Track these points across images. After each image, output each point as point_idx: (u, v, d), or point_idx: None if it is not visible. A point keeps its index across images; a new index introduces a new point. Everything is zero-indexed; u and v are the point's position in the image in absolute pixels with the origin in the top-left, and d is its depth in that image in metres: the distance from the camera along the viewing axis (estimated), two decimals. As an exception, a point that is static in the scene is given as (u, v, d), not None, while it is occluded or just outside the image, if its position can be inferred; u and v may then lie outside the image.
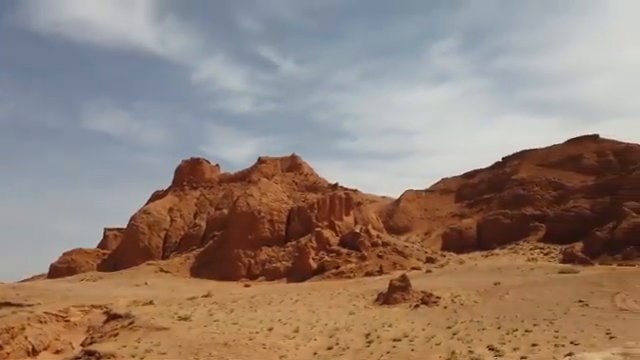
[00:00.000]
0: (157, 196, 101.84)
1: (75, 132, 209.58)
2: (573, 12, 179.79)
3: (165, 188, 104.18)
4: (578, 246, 60.28)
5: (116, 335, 28.65)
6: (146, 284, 62.26)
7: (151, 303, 41.04)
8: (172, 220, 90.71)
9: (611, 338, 20.29)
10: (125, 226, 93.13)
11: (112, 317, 35.13)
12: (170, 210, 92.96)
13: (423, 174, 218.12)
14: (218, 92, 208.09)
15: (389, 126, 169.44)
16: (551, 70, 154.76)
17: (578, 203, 73.99)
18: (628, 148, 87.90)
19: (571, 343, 19.92)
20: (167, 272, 73.95)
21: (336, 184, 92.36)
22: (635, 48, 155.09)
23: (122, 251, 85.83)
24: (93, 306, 41.25)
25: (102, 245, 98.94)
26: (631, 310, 26.46)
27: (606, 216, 64.10)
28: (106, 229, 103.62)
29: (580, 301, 29.60)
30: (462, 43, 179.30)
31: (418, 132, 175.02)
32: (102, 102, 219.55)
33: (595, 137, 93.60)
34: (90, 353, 24.35)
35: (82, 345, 30.12)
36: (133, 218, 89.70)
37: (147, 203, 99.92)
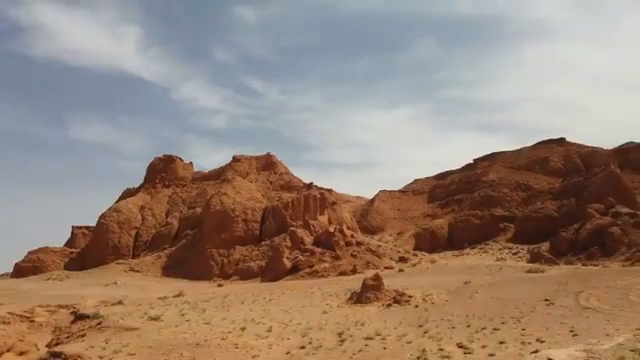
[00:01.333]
0: (128, 194, 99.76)
1: (59, 141, 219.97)
2: (500, 54, 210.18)
3: (137, 186, 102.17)
4: (545, 246, 62.12)
5: (83, 336, 27.98)
6: (115, 283, 60.99)
7: (120, 303, 40.21)
8: (143, 218, 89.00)
9: (574, 335, 21.01)
10: (94, 225, 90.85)
11: (79, 317, 34.26)
12: (141, 208, 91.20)
13: (384, 181, 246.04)
14: (197, 109, 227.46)
15: (352, 141, 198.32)
16: (487, 99, 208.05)
17: (545, 204, 76.25)
18: (593, 152, 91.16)
19: (537, 340, 20.53)
20: (137, 271, 72.57)
21: (311, 184, 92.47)
22: (552, 83, 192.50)
23: (91, 250, 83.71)
24: (60, 306, 40.15)
25: (70, 244, 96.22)
26: (594, 308, 27.47)
27: (571, 217, 66.28)
28: (74, 227, 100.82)
29: (546, 300, 30.54)
30: (408, 78, 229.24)
31: (378, 146, 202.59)
32: (89, 116, 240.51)
33: (562, 140, 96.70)
34: (56, 354, 23.70)
35: (48, 346, 29.27)
36: (103, 216, 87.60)
37: (118, 201, 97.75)
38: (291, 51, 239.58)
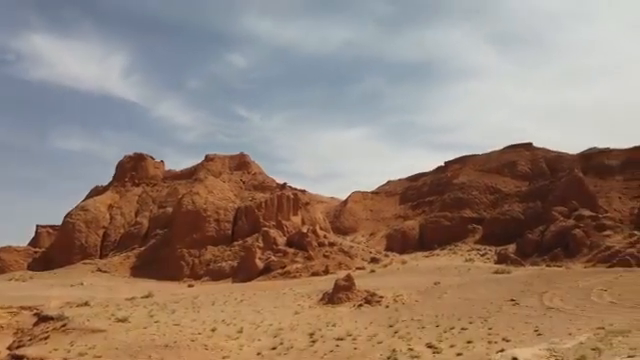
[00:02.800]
0: (96, 192, 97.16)
1: (39, 149, 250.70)
2: (439, 89, 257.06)
3: (105, 184, 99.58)
4: (511, 248, 63.82)
5: (47, 338, 27.10)
6: (82, 284, 59.37)
7: (86, 304, 39.16)
8: (112, 217, 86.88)
9: (539, 335, 21.67)
10: (60, 224, 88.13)
11: (43, 319, 33.18)
12: (110, 207, 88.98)
13: (357, 183, 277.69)
14: (173, 126, 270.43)
15: (316, 154, 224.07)
16: (431, 123, 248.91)
17: (512, 207, 78.32)
18: (558, 157, 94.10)
19: (503, 340, 21.08)
20: (105, 272, 70.83)
21: (284, 184, 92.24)
22: (493, 111, 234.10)
23: (56, 249, 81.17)
24: (22, 307, 38.87)
25: (33, 243, 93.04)
26: (557, 308, 28.41)
27: (537, 220, 68.30)
28: (38, 226, 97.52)
29: (512, 300, 31.40)
30: (360, 105, 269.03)
31: (339, 159, 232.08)
32: (71, 128, 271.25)
33: (529, 145, 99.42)
34: (17, 357, 22.92)
35: (9, 349, 28.24)
36: (69, 215, 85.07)
37: (85, 199, 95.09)
38: (259, 82, 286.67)
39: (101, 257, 79.36)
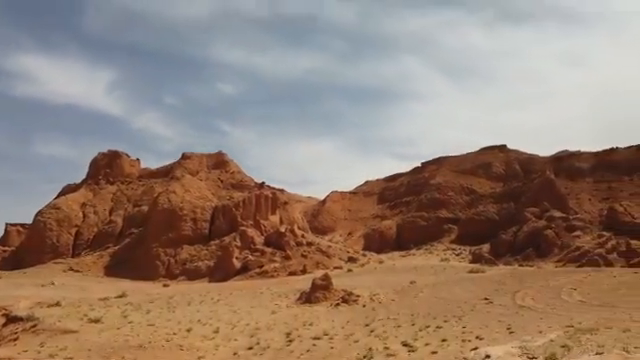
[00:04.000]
0: (68, 190, 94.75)
1: (23, 155, 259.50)
2: (394, 109, 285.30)
3: (78, 182, 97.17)
4: (485, 248, 65.11)
5: (16, 339, 26.34)
6: (53, 284, 57.84)
7: (58, 304, 38.14)
8: (85, 216, 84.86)
9: (511, 333, 22.16)
10: (30, 222, 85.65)
11: (12, 320, 32.17)
12: (83, 205, 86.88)
13: (335, 184, 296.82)
14: (151, 136, 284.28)
15: (286, 162, 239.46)
16: (392, 137, 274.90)
17: (487, 208, 79.89)
18: (531, 159, 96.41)
19: (477, 338, 21.49)
20: (77, 271, 69.23)
21: (262, 183, 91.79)
22: (445, 127, 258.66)
23: (26, 248, 78.87)
24: (-11, 308, 37.56)
25: (3, 242, 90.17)
26: (529, 307, 29.12)
27: (510, 220, 69.86)
28: (8, 224, 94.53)
29: (485, 299, 32.03)
30: (324, 121, 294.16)
31: (308, 167, 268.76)
32: (54, 136, 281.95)
33: (503, 147, 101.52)
34: (-16, 360, 22.19)
35: (-25, 351, 27.35)
36: (40, 213, 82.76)
37: (57, 197, 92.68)
38: (233, 100, 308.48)
39: (73, 256, 77.45)
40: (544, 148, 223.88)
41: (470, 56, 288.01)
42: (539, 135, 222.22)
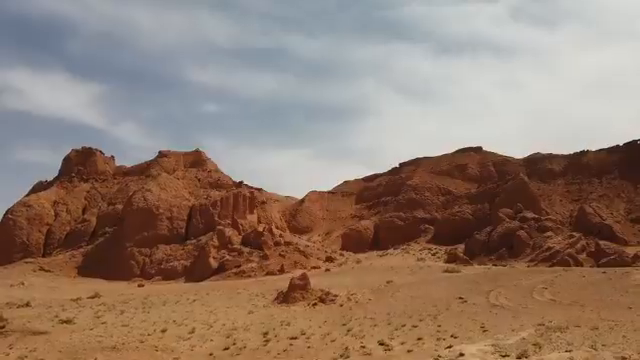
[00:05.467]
0: (40, 187, 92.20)
1: (5, 161, 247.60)
2: (350, 123, 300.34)
3: (50, 179, 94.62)
4: (460, 248, 66.15)
5: (-17, 342, 25.54)
6: (22, 284, 56.22)
7: (28, 305, 37.16)
8: (57, 214, 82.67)
9: (485, 331, 22.64)
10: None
11: (-21, 322, 31.18)
12: (55, 203, 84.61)
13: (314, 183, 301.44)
14: (129, 145, 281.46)
15: (260, 169, 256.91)
16: (355, 147, 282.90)
17: (462, 208, 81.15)
18: (505, 160, 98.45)
19: (451, 336, 21.88)
20: (48, 271, 67.43)
21: (241, 182, 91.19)
22: (402, 140, 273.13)
23: (-6, 247, 76.42)
24: (-46, 310, 36.28)
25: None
26: (502, 306, 29.76)
27: (485, 221, 71.16)
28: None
29: (460, 298, 32.59)
30: (287, 135, 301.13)
31: (282, 171, 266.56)
32: (35, 144, 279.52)
33: (479, 149, 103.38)
34: (-51, 363, 21.44)
35: (-61, 354, 26.39)
36: (10, 211, 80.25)
37: (28, 194, 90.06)
38: (203, 115, 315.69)
39: (44, 256, 75.37)
40: (518, 150, 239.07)
41: (421, 79, 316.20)
42: (486, 146, 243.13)
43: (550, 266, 51.21)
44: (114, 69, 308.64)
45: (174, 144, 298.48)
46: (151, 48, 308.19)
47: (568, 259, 51.89)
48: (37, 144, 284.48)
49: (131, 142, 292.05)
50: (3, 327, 27.26)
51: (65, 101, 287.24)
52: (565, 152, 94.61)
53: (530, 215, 66.02)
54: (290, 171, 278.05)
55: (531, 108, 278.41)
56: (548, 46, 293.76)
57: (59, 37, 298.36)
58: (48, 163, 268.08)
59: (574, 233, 60.77)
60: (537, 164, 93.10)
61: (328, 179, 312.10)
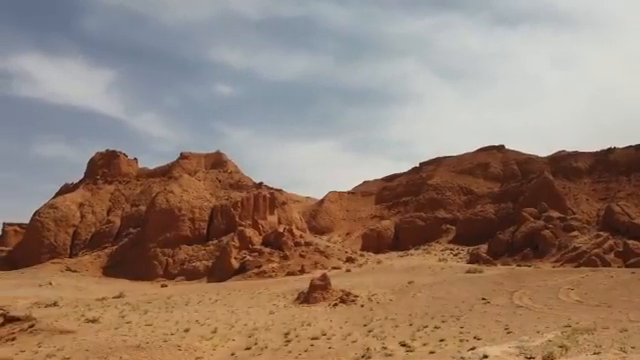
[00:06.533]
0: (66, 190, 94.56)
1: (21, 156, 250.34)
2: (392, 107, 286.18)
3: (76, 181, 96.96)
4: (483, 248, 65.15)
5: (13, 339, 26.27)
6: (50, 284, 57.68)
7: (55, 304, 38.14)
8: (82, 216, 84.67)
9: (509, 333, 22.23)
10: (28, 222, 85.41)
11: (9, 320, 32.02)
12: (81, 205, 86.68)
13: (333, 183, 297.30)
14: (149, 137, 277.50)
15: (283, 163, 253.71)
16: (388, 139, 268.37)
17: (485, 208, 79.95)
18: (529, 159, 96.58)
19: (474, 338, 21.55)
20: (75, 271, 69.04)
21: (261, 183, 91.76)
22: (441, 129, 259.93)
23: (23, 248, 78.65)
24: (-14, 308, 37.45)
25: (0, 242, 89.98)
26: (526, 307, 29.18)
27: (508, 220, 69.94)
28: (5, 224, 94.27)
29: (483, 299, 32.08)
30: (318, 123, 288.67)
31: (305, 167, 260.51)
32: (53, 138, 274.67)
33: (501, 147, 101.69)
34: (-19, 360, 22.16)
35: (-28, 352, 27.29)
36: (37, 213, 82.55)
37: (55, 197, 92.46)
38: (230, 101, 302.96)
39: (71, 256, 77.29)
40: (542, 149, 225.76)
41: (468, 58, 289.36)
42: (537, 135, 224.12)
43: (576, 266, 50.04)
44: (132, 49, 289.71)
45: (195, 135, 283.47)
46: (173, 24, 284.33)
47: (595, 259, 50.62)
48: (52, 137, 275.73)
49: (151, 133, 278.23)
50: (32, 326, 28.03)
51: (80, 88, 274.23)
52: (592, 149, 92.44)
53: (555, 214, 64.62)
54: (317, 165, 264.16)
55: (592, 90, 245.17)
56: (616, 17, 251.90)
57: (72, 13, 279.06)
58: (66, 158, 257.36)
59: (601, 232, 59.21)
60: (562, 162, 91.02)
61: (354, 175, 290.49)
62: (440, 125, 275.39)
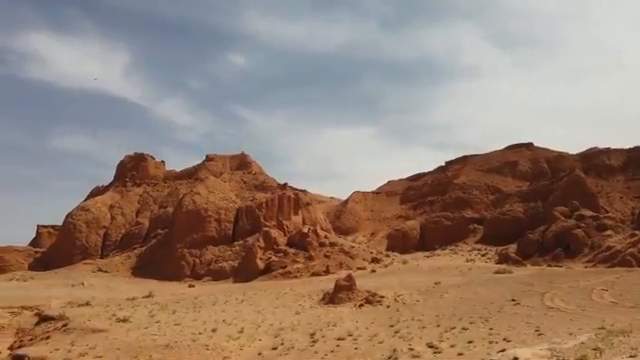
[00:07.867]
0: (97, 192, 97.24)
1: (38, 149, 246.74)
2: (439, 84, 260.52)
3: (106, 184, 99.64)
4: (512, 248, 63.76)
5: (48, 338, 27.12)
6: (82, 284, 59.36)
7: (87, 304, 39.22)
8: (112, 217, 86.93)
9: (540, 335, 21.64)
10: (61, 224, 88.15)
11: (44, 319, 33.17)
12: (111, 207, 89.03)
13: (358, 183, 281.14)
14: (173, 126, 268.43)
15: (315, 154, 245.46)
16: (432, 123, 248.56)
17: (513, 207, 78.25)
18: (559, 157, 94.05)
19: (504, 340, 21.07)
20: (106, 272, 70.84)
21: (285, 184, 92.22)
22: (492, 110, 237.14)
23: (57, 249, 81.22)
24: (23, 307, 38.86)
25: (34, 243, 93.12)
26: (558, 308, 28.39)
27: (538, 220, 68.28)
28: (39, 226, 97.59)
29: (513, 300, 31.38)
30: (359, 104, 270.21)
31: (338, 159, 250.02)
32: (69, 128, 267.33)
33: (529, 145, 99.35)
34: (19, 357, 22.92)
35: (10, 349, 28.26)
36: (70, 215, 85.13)
37: (86, 199, 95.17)
38: (259, 81, 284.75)
39: (102, 257, 79.41)
40: (572, 146, 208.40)
41: (528, 24, 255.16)
42: (603, 116, 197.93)
43: (610, 267, 48.45)
44: (153, 23, 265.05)
45: (221, 122, 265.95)
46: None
47: (630, 259, 48.87)
48: (67, 125, 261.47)
49: (173, 121, 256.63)
50: (65, 325, 28.90)
51: (95, 70, 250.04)
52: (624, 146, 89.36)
53: (587, 213, 62.75)
54: (348, 155, 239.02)
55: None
56: None
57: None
58: (85, 151, 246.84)
59: (636, 232, 57.11)
60: (593, 159, 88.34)
61: (386, 169, 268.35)
62: (492, 106, 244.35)
